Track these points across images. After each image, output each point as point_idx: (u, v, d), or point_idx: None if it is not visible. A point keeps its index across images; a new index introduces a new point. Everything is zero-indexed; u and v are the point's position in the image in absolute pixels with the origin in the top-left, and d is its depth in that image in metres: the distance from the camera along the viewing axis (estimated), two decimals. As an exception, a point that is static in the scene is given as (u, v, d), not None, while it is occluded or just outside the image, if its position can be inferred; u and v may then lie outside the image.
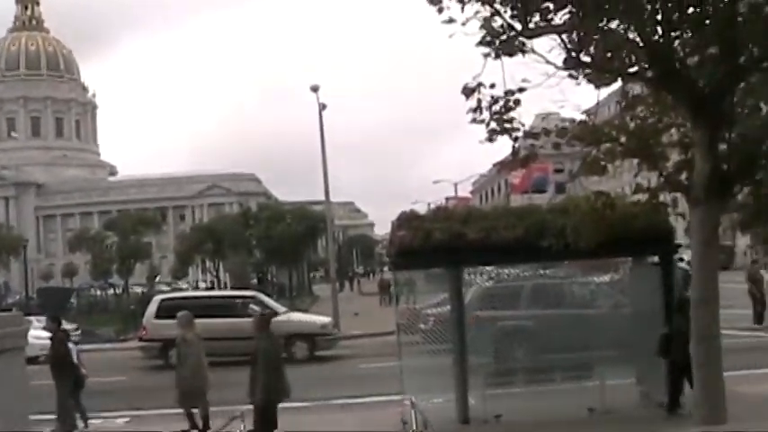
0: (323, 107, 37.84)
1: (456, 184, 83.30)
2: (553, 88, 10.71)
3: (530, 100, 11.05)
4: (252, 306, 26.86)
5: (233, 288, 55.97)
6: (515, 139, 11.07)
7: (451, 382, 13.75)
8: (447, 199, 77.83)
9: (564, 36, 10.75)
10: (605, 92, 12.46)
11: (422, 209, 20.26)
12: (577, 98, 11.59)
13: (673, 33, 10.98)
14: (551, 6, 10.84)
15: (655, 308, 14.13)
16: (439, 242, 13.24)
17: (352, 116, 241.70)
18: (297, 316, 28.76)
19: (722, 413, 11.01)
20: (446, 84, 10.70)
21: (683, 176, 11.82)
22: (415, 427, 10.61)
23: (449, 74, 10.92)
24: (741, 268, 38.15)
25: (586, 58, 10.84)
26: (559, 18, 10.96)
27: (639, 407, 14.21)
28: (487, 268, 15.14)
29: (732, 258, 73.52)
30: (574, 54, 10.63)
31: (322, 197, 41.12)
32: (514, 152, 11.39)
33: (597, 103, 12.24)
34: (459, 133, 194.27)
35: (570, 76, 11.08)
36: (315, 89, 37.19)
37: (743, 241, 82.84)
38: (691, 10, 10.92)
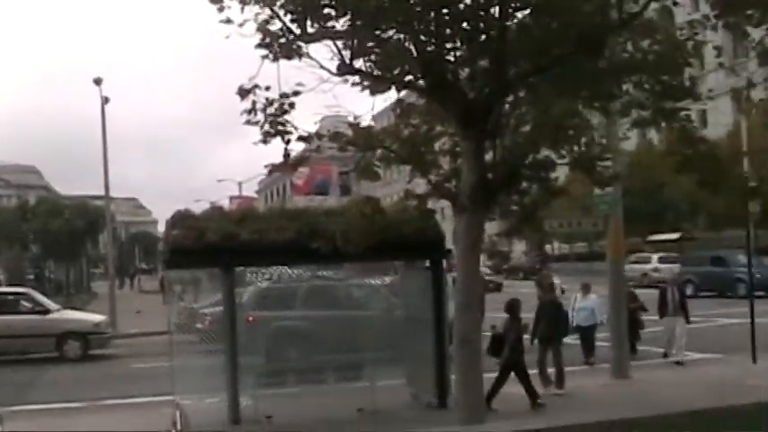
0: (106, 100, 36.77)
1: (240, 184, 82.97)
2: (346, 93, 10.95)
3: (315, 104, 11.22)
4: (23, 303, 25.72)
5: (8, 284, 53.28)
6: (287, 142, 11.17)
7: (224, 383, 13.67)
8: (231, 198, 77.39)
9: (340, 43, 10.96)
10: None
11: (205, 207, 20.07)
12: (365, 104, 11.90)
13: (445, 45, 11.42)
14: (333, 13, 11.02)
15: (425, 311, 14.63)
16: (211, 242, 13.12)
17: (139, 112, 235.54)
18: (70, 314, 27.68)
19: (481, 413, 11.53)
20: (235, 82, 10.61)
21: (453, 184, 12.31)
22: (179, 428, 10.45)
23: (237, 73, 10.85)
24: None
25: (360, 66, 11.09)
26: (340, 25, 11.16)
27: (408, 407, 14.64)
28: (267, 269, 15.16)
29: (507, 262, 76.80)
30: (347, 61, 10.84)
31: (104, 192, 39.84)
32: (286, 154, 11.47)
33: (372, 110, 12.55)
34: (248, 132, 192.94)
35: (347, 82, 11.32)
36: (98, 82, 36.13)
37: (519, 247, 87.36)
38: (464, 24, 11.40)
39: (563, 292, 23.88)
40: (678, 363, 18.67)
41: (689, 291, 35.66)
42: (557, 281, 24.40)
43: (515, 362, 13.84)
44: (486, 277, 62.71)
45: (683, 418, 11.35)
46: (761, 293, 35.82)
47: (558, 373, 15.42)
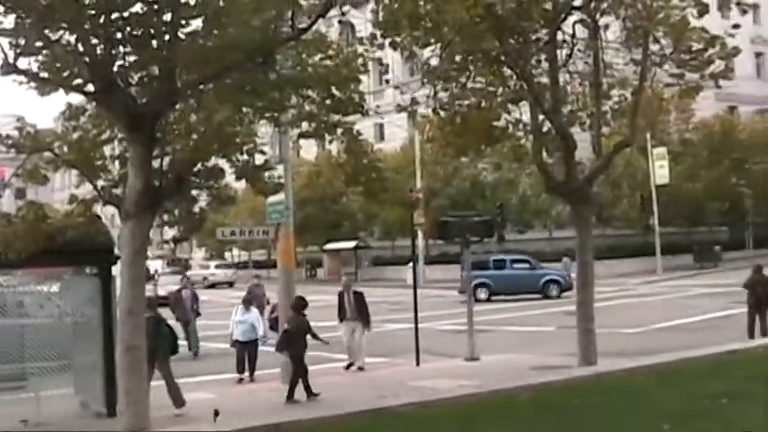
0: None
1: None
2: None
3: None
4: None
5: None
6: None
7: None
8: None
9: (7, 41, 10.85)
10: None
11: None
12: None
13: (115, 50, 11.62)
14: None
15: (94, 318, 14.67)
16: None
17: None
18: None
19: (145, 419, 11.82)
20: None
21: (120, 190, 12.51)
22: None
23: None
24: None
25: (26, 66, 11.04)
26: (8, 22, 11.03)
27: (76, 416, 14.60)
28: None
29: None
30: (11, 60, 10.76)
31: None
32: None
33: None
34: None
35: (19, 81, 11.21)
36: None
37: (199, 254, 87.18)
38: (135, 30, 11.66)
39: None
40: (360, 368, 19.60)
41: (482, 294, 39.67)
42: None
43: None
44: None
45: (345, 419, 12.22)
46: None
47: (172, 392, 15.29)
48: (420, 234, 49.20)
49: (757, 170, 59.95)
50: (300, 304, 16.49)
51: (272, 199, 18.03)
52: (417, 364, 19.92)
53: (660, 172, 53.19)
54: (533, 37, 18.12)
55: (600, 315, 18.56)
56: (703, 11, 16.27)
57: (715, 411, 10.61)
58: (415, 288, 21.11)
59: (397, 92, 25.61)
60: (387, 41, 16.40)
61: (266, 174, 14.88)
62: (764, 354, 16.26)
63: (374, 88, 49.90)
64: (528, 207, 56.64)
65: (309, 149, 48.12)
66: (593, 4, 17.66)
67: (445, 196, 55.91)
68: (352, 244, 66.08)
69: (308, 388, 15.84)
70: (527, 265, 43.53)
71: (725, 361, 15.31)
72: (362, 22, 20.08)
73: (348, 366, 19.91)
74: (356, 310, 19.92)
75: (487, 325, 27.18)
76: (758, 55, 78.02)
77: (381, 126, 61.58)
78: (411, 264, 24.53)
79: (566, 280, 40.95)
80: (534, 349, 22.13)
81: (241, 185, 18.26)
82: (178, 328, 19.79)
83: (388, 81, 18.65)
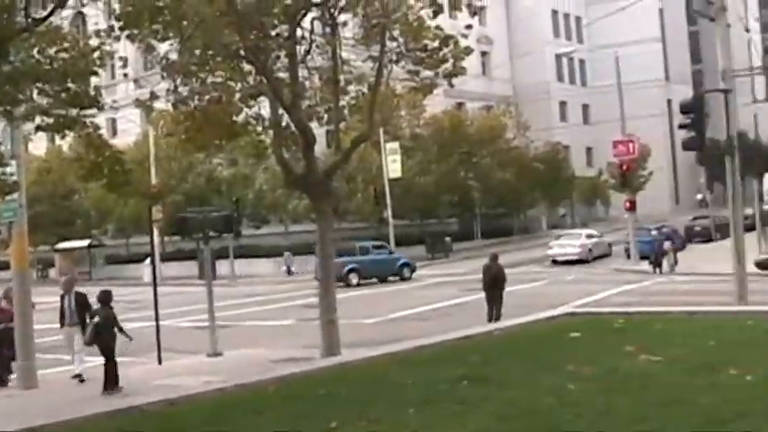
0: None
1: None
2: None
3: None
4: None
5: None
6: None
7: None
8: None
9: None
10: None
11: None
12: None
13: None
14: None
15: None
16: None
17: None
18: None
19: None
20: None
21: None
22: None
23: None
24: None
25: None
26: None
27: None
28: None
29: None
30: None
31: None
32: None
33: None
34: None
35: None
36: None
37: None
38: None
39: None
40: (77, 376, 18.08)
41: (354, 279, 42.64)
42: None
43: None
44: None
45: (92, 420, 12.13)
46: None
47: None
48: (156, 231, 48.59)
49: (484, 164, 63.91)
50: (107, 297, 16.62)
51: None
52: (159, 362, 19.89)
53: (393, 166, 55.44)
54: (273, 32, 18.60)
55: (340, 306, 19.35)
56: (438, 11, 17.41)
57: (455, 394, 11.47)
58: (155, 285, 21.03)
59: (131, 86, 25.34)
60: (124, 34, 16.36)
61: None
62: (497, 337, 17.62)
63: (107, 82, 48.65)
64: (264, 202, 57.30)
65: (39, 144, 46.39)
66: (331, 2, 18.39)
67: (180, 192, 55.47)
68: (85, 242, 64.04)
69: (114, 379, 16.13)
70: (386, 251, 48.52)
71: (461, 346, 16.41)
72: (97, 13, 19.82)
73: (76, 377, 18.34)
74: (77, 314, 18.27)
75: (228, 321, 27.45)
76: (484, 54, 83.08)
77: (114, 121, 60.07)
78: (148, 261, 24.35)
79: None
80: (278, 342, 22.69)
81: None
82: None
83: (126, 75, 18.51)
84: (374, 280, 44.57)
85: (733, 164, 24.38)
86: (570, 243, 51.34)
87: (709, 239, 54.99)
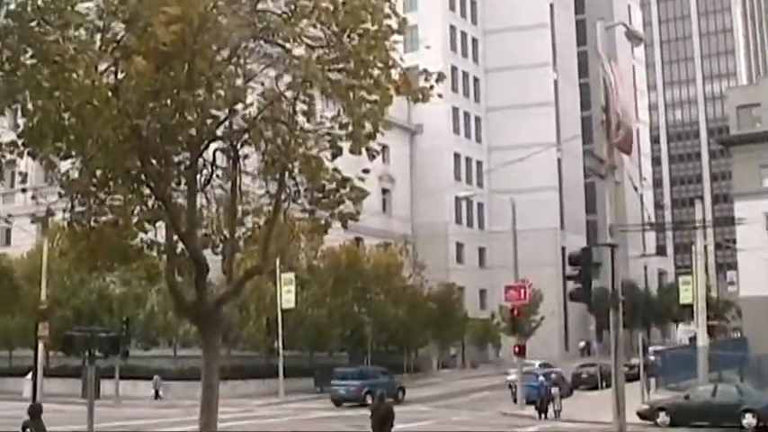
0: None
1: None
2: None
3: None
4: None
5: None
6: None
7: None
8: None
9: None
10: None
11: None
12: None
13: None
14: None
15: None
16: None
17: None
18: None
19: None
20: None
21: None
22: None
23: None
24: None
25: None
26: None
27: None
28: None
29: None
30: None
31: None
32: None
33: None
34: None
35: None
36: None
37: None
38: None
39: None
40: None
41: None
42: None
43: None
44: None
45: None
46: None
47: None
48: (41, 346, 47.42)
49: (378, 300, 64.53)
50: (36, 409, 17.77)
51: None
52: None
53: (287, 297, 55.52)
54: (175, 160, 18.97)
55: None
56: (337, 153, 18.08)
57: None
58: (34, 400, 20.66)
59: (28, 195, 25.30)
60: (26, 151, 16.57)
61: None
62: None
63: (5, 190, 48.18)
64: (154, 324, 56.55)
65: None
66: (235, 135, 18.93)
67: (71, 307, 54.40)
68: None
69: None
70: (387, 375, 53.36)
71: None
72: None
73: None
74: None
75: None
76: (385, 191, 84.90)
77: (9, 231, 59.12)
78: (29, 375, 23.91)
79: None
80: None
81: None
82: None
83: (24, 190, 18.53)
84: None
85: (616, 316, 25.39)
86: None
87: (595, 387, 56.08)
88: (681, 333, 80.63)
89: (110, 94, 16.24)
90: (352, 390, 49.37)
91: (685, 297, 57.60)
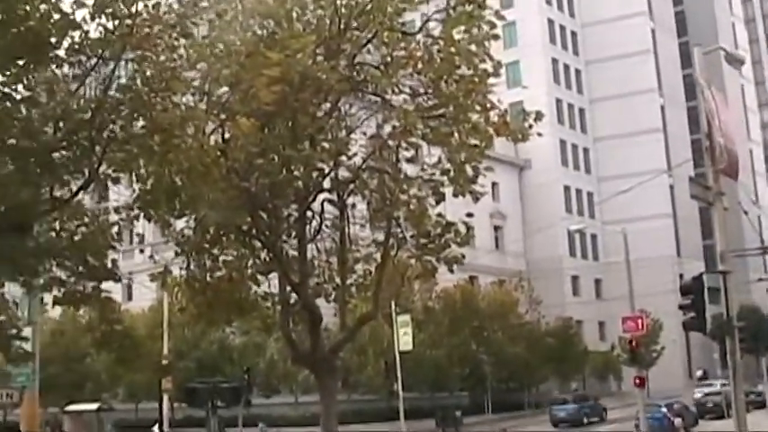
0: None
1: None
2: None
3: None
4: None
5: None
6: None
7: None
8: None
9: None
10: None
11: None
12: None
13: None
14: None
15: None
16: None
17: None
18: None
19: None
20: None
21: None
22: None
23: None
24: None
25: None
26: None
27: None
28: None
29: None
30: None
31: None
32: None
33: None
34: None
35: None
36: None
37: None
38: None
39: None
40: None
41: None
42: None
43: None
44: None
45: None
46: None
47: None
48: (166, 398, 48.66)
49: (495, 338, 64.06)
50: None
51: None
52: None
53: (404, 339, 55.49)
54: (284, 213, 19.51)
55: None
56: (440, 199, 18.31)
57: None
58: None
59: (147, 251, 26.18)
60: (142, 213, 17.28)
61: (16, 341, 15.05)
62: None
63: (125, 247, 49.84)
64: (275, 372, 57.30)
65: (54, 306, 47.21)
66: (341, 185, 19.36)
67: (192, 359, 55.63)
68: (94, 406, 63.62)
69: None
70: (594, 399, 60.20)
71: None
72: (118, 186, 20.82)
73: None
74: None
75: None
76: (497, 228, 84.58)
77: (130, 287, 61.07)
78: (156, 427, 24.59)
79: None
80: None
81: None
82: None
83: (142, 251, 19.39)
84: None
85: (732, 343, 24.72)
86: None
87: (721, 416, 54.27)
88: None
89: (218, 154, 16.83)
90: (571, 412, 57.10)
91: (812, 318, 55.46)
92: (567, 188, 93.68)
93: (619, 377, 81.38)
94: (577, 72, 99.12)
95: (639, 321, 48.12)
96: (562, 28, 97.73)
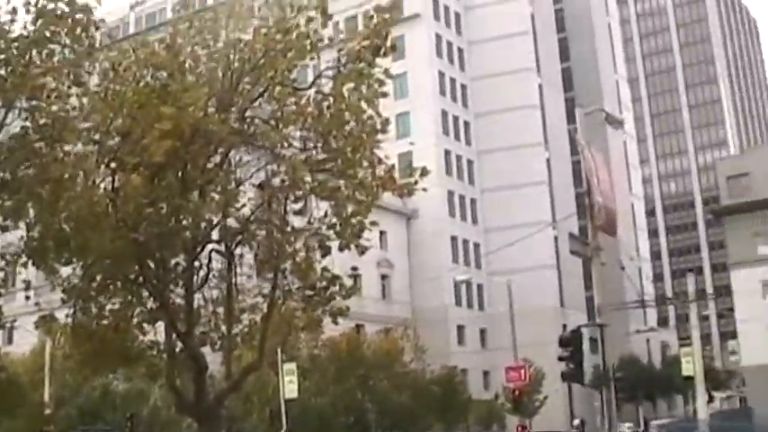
0: None
1: None
2: None
3: None
4: None
5: None
6: None
7: None
8: None
9: None
10: None
11: None
12: None
13: None
14: None
15: None
16: None
17: None
18: None
19: None
20: None
21: None
22: None
23: None
24: None
25: None
26: None
27: None
28: None
29: None
30: None
31: None
32: None
33: None
34: None
35: None
36: None
37: None
38: None
39: None
40: None
41: None
42: None
43: None
44: None
45: None
46: None
47: None
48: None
49: (380, 386, 64.62)
50: None
51: None
52: None
53: (289, 387, 55.42)
54: (173, 262, 19.78)
55: None
56: (326, 252, 18.89)
57: None
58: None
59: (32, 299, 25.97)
60: (30, 261, 17.35)
61: None
62: None
63: (8, 289, 48.80)
64: (158, 419, 56.53)
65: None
66: (229, 236, 19.75)
67: (74, 405, 54.45)
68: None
69: None
70: None
71: None
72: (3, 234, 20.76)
73: None
74: None
75: None
76: (384, 277, 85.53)
77: (11, 329, 59.64)
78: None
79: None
80: None
81: None
82: None
83: (28, 298, 19.40)
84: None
85: (609, 393, 25.90)
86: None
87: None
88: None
89: (107, 204, 17.10)
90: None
91: (687, 369, 57.62)
92: (454, 238, 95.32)
93: (502, 425, 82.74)
94: (466, 124, 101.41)
95: (522, 371, 49.43)
96: (452, 80, 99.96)
